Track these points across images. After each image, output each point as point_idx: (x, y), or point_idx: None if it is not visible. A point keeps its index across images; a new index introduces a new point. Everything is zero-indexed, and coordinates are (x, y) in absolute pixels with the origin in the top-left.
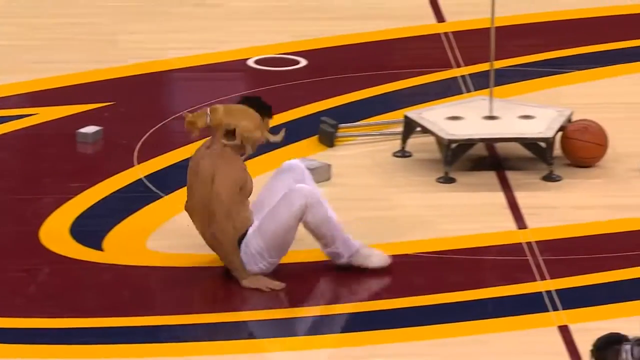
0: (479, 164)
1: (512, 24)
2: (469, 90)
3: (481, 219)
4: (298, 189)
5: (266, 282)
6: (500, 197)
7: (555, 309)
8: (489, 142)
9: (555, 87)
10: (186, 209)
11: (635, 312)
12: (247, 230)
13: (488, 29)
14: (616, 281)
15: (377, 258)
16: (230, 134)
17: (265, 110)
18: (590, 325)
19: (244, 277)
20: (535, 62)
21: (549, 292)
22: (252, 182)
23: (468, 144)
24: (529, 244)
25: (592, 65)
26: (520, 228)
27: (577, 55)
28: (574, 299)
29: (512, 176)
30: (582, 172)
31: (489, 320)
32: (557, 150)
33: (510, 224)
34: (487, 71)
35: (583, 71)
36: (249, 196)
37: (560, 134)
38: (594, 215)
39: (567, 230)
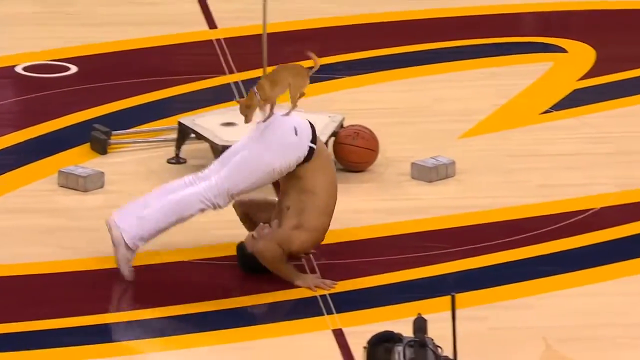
0: None
1: (284, 30)
2: (242, 97)
3: None
4: None
5: (315, 281)
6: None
7: (329, 312)
8: None
9: (327, 93)
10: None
11: (407, 314)
12: None
13: (260, 35)
14: (390, 284)
15: (130, 272)
16: None
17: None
18: (364, 328)
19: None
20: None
21: (323, 296)
22: None
23: None
24: None
25: (361, 71)
26: None
27: (346, 61)
28: (348, 302)
29: None
30: (354, 176)
31: (263, 325)
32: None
33: None
34: (260, 77)
35: (352, 77)
36: None
37: (332, 139)
38: (368, 219)
39: (342, 235)
